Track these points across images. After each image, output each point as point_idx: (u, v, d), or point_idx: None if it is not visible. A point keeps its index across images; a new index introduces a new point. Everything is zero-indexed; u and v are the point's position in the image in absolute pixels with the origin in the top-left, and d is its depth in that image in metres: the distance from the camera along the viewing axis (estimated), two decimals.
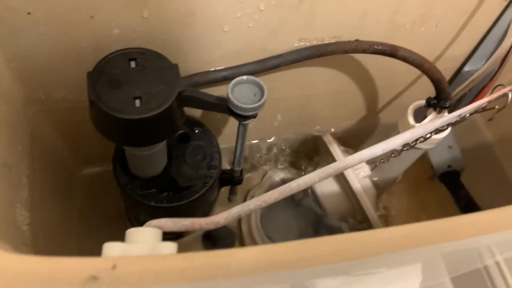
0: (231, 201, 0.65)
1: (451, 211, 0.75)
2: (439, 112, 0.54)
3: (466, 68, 0.64)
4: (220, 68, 0.48)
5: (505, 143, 0.73)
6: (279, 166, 0.76)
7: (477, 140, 0.77)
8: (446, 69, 0.62)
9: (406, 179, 0.79)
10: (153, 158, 0.45)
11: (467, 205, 0.70)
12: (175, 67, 0.38)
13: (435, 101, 0.53)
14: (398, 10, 0.48)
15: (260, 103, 0.43)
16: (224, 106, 0.43)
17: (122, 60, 0.38)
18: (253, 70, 0.49)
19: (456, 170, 0.74)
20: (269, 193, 0.30)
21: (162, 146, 0.44)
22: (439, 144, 0.74)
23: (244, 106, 0.42)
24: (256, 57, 0.49)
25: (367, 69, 0.58)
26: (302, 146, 0.74)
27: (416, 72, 0.48)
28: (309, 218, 0.75)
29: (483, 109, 0.44)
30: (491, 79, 0.61)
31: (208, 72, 0.48)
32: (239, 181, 0.58)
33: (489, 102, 0.42)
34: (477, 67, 0.64)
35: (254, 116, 0.45)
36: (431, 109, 0.55)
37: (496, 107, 0.45)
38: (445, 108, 0.53)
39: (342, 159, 0.37)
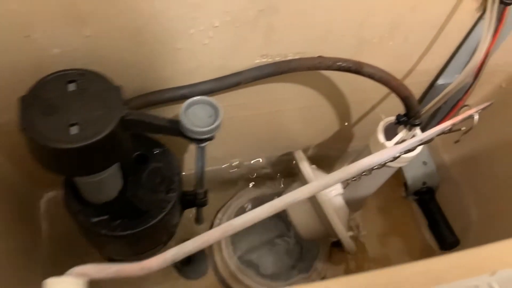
0: (198, 223, 0.62)
1: (425, 231, 0.73)
2: (409, 129, 0.52)
3: (440, 82, 0.62)
4: (177, 86, 0.45)
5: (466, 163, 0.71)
6: (251, 185, 0.74)
7: (452, 155, 0.75)
8: (419, 83, 0.60)
9: (379, 197, 0.76)
10: (102, 184, 0.42)
11: (439, 227, 0.68)
12: (117, 89, 0.35)
13: (405, 118, 0.51)
14: (363, 24, 0.46)
15: (214, 125, 0.40)
16: (176, 130, 0.40)
17: (60, 82, 0.35)
18: (213, 88, 0.47)
19: (431, 187, 0.72)
20: (211, 231, 0.27)
21: (112, 171, 0.41)
22: (413, 160, 0.72)
23: (197, 129, 0.39)
24: (215, 74, 0.46)
25: (337, 84, 0.55)
26: (275, 163, 0.72)
27: None
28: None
29: (449, 131, 0.42)
30: (466, 92, 0.59)
31: (164, 90, 0.45)
32: (203, 203, 0.55)
33: (453, 124, 0.39)
34: (451, 81, 0.61)
35: (210, 139, 0.42)
36: (402, 126, 0.53)
37: (463, 128, 0.43)
38: (415, 125, 0.50)
39: (307, 186, 0.35)
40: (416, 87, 0.62)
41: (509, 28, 0.53)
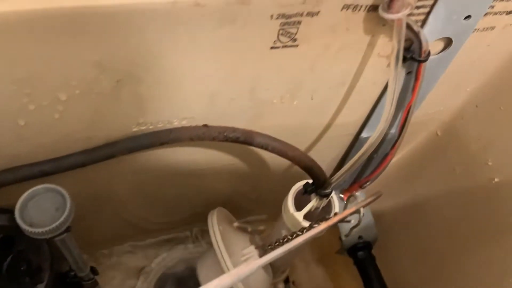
0: None
1: None
2: (320, 199, 0.46)
3: (364, 135, 0.56)
4: (36, 161, 0.38)
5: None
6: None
7: (390, 205, 0.69)
8: (342, 136, 0.54)
9: (316, 252, 0.70)
10: None
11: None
12: None
13: (313, 187, 0.44)
14: (255, 88, 0.40)
15: (60, 221, 0.33)
16: (15, 228, 0.33)
17: None
18: (81, 161, 0.40)
19: (368, 241, 0.65)
20: None
21: None
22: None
23: (35, 230, 0.32)
24: (83, 146, 0.39)
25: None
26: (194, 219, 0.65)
27: None
28: None
29: (343, 220, 0.36)
30: (393, 146, 0.54)
31: (19, 168, 0.38)
32: (93, 284, 0.48)
33: (341, 219, 0.33)
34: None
35: (63, 233, 0.35)
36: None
37: (352, 221, 0.37)
38: (325, 196, 0.44)
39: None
40: (339, 140, 0.56)
41: (433, 80, 0.48)
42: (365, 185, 0.65)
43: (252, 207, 0.72)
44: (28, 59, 0.29)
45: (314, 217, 0.48)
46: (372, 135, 0.39)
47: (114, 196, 0.56)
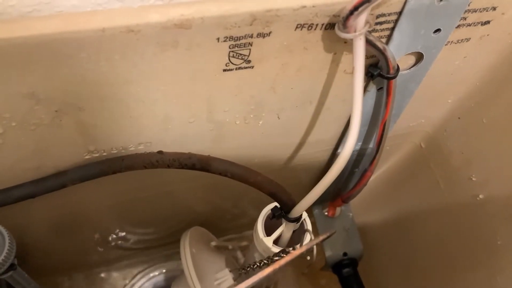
0: None
1: None
2: (288, 225, 0.43)
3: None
4: None
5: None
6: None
7: (376, 220, 0.66)
8: (318, 152, 0.52)
9: (301, 268, 0.68)
10: None
11: None
12: None
13: (281, 212, 0.42)
14: (212, 110, 0.38)
15: None
16: None
17: None
18: (30, 192, 0.38)
19: (354, 258, 0.63)
20: None
21: None
22: (332, 227, 0.63)
23: None
24: (32, 176, 0.37)
25: None
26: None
27: None
28: None
29: (300, 255, 0.33)
30: (371, 162, 0.51)
31: None
32: None
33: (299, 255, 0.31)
34: (355, 148, 0.53)
35: (9, 270, 0.33)
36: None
37: (308, 258, 0.35)
38: (293, 221, 0.42)
39: None
40: (316, 156, 0.54)
41: (408, 94, 0.45)
42: (348, 199, 0.63)
43: (235, 223, 0.70)
44: None
45: (286, 241, 0.46)
46: (338, 158, 0.37)
47: (86, 219, 0.54)
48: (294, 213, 0.41)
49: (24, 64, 0.28)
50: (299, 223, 0.45)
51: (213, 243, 0.59)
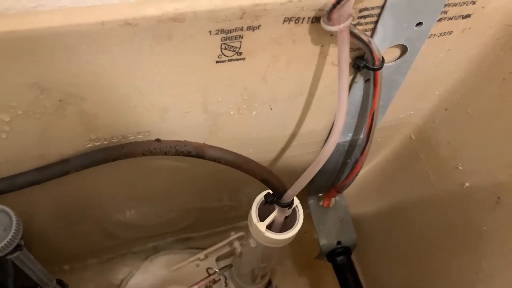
0: None
1: None
2: (281, 210, 0.45)
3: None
4: None
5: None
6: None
7: (369, 209, 0.68)
8: (312, 143, 0.54)
9: (297, 257, 0.70)
10: None
11: None
12: None
13: (273, 197, 0.44)
14: (206, 101, 0.40)
15: (5, 241, 0.33)
16: None
17: None
18: (35, 179, 0.40)
19: (347, 246, 0.65)
20: None
21: None
22: (327, 216, 0.65)
23: None
24: (37, 164, 0.40)
25: None
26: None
27: None
28: None
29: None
30: (362, 152, 0.54)
31: None
32: None
33: None
34: (345, 139, 0.55)
35: (15, 251, 0.35)
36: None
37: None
38: (285, 206, 0.44)
39: None
40: (310, 146, 0.56)
41: (395, 85, 0.47)
42: (341, 189, 0.65)
43: (234, 213, 0.72)
44: None
45: (279, 226, 0.48)
46: (324, 146, 0.39)
47: (91, 206, 0.56)
48: (286, 198, 0.43)
49: (29, 56, 0.30)
50: (291, 209, 0.47)
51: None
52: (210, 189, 0.61)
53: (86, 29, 0.29)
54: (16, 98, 0.33)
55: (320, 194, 0.68)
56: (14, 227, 0.34)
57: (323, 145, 0.39)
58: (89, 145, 0.41)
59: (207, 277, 0.43)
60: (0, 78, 0.31)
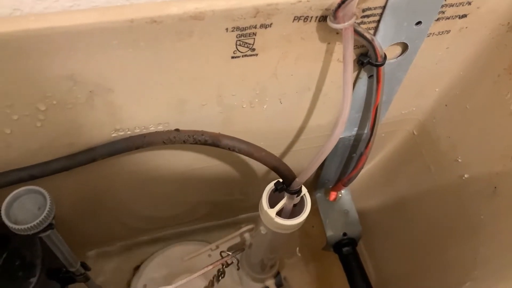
0: None
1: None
2: (290, 198, 0.49)
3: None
4: (24, 166, 0.42)
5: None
6: None
7: (373, 202, 0.71)
8: (318, 137, 0.57)
9: (303, 249, 0.73)
10: None
11: (356, 285, 0.64)
12: None
13: (283, 185, 0.47)
14: (221, 95, 0.43)
15: (40, 219, 0.37)
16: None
17: None
18: (65, 165, 0.44)
19: (353, 238, 0.68)
20: None
21: None
22: (333, 210, 0.68)
23: (19, 227, 0.36)
24: (67, 151, 0.43)
25: None
26: None
27: None
28: None
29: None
30: (366, 146, 0.56)
31: (8, 172, 0.42)
32: (85, 279, 0.52)
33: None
34: (350, 133, 0.58)
35: (47, 229, 0.39)
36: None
37: None
38: (294, 193, 0.47)
39: None
40: (317, 141, 0.59)
41: (397, 82, 0.51)
42: (347, 183, 0.68)
43: (243, 205, 0.75)
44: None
45: (288, 212, 0.51)
46: (329, 139, 0.42)
47: (111, 195, 0.60)
48: (295, 185, 0.47)
49: (66, 50, 0.34)
50: (299, 197, 0.50)
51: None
52: (222, 185, 0.64)
53: (117, 26, 0.33)
54: (51, 89, 0.37)
55: (327, 188, 0.71)
56: (48, 206, 0.37)
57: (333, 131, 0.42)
58: (113, 135, 0.45)
59: (220, 259, 0.46)
60: (41, 70, 0.34)
